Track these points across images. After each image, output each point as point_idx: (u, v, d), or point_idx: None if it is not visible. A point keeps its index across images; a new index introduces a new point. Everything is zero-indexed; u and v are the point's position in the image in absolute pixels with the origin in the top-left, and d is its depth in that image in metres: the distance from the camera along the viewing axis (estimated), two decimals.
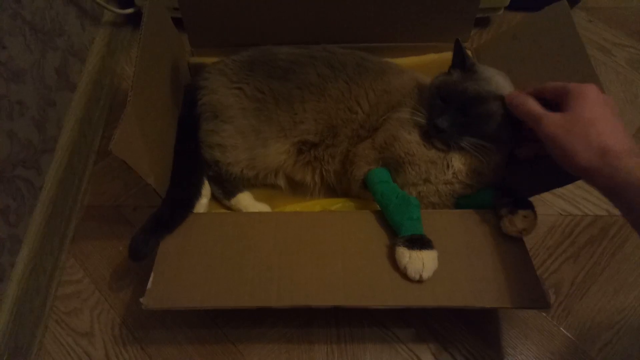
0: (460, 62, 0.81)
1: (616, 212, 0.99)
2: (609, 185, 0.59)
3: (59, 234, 0.94)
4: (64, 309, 0.89)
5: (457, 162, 0.79)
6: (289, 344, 0.84)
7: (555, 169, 0.79)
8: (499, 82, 0.79)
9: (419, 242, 0.72)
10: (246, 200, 0.90)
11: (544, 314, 0.88)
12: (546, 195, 1.02)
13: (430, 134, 0.79)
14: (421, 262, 0.70)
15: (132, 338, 0.85)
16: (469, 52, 1.03)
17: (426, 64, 1.02)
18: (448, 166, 0.80)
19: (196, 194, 0.84)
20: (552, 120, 0.65)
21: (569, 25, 0.85)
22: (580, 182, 1.01)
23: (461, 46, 0.81)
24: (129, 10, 1.23)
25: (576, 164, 0.62)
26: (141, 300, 0.70)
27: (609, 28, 1.34)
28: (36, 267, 0.86)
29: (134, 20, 1.29)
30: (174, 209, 0.79)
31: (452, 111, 0.77)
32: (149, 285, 0.71)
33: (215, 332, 0.86)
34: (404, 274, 0.72)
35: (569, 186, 1.03)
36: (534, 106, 0.69)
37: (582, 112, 0.63)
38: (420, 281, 0.71)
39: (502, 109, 0.76)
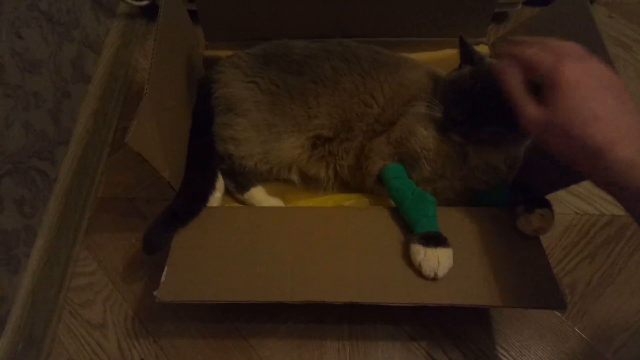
0: (468, 57, 0.81)
1: None
2: (608, 187, 0.51)
3: (73, 226, 0.94)
4: (77, 301, 0.89)
5: (474, 157, 0.78)
6: (301, 340, 0.84)
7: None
8: None
9: (435, 240, 0.71)
10: (259, 195, 0.90)
11: (559, 314, 0.87)
12: (562, 194, 1.00)
13: (447, 128, 0.78)
14: (436, 260, 0.69)
15: (145, 331, 0.86)
16: (486, 47, 1.02)
17: (443, 58, 1.00)
18: (464, 161, 0.79)
19: (210, 188, 0.84)
20: (531, 115, 0.56)
21: (586, 16, 0.83)
22: None
23: (465, 42, 0.81)
24: (144, 2, 1.23)
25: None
26: (155, 293, 0.70)
27: (629, 24, 1.31)
28: (50, 259, 0.87)
29: (149, 12, 1.29)
30: (189, 202, 0.79)
31: (468, 104, 0.76)
32: (163, 278, 0.71)
33: (227, 326, 0.86)
34: (418, 272, 0.71)
35: (585, 184, 1.01)
36: (516, 89, 0.59)
37: (559, 103, 0.53)
38: (435, 279, 0.70)
39: None
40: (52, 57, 0.92)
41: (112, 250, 0.95)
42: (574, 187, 1.01)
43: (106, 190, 1.03)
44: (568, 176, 0.78)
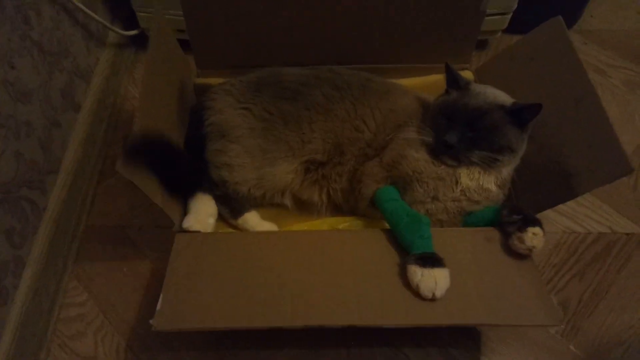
0: (454, 82, 0.85)
1: (619, 229, 1.01)
2: None
3: (63, 256, 0.93)
4: (67, 333, 0.87)
5: (465, 179, 0.80)
6: None
7: (557, 186, 0.80)
8: (495, 93, 0.83)
9: (431, 260, 0.72)
10: (253, 220, 0.90)
11: (553, 332, 0.88)
12: (550, 213, 1.03)
13: (439, 152, 0.80)
14: (434, 280, 0.70)
15: None
16: (471, 73, 1.06)
17: (430, 84, 1.03)
18: (456, 183, 0.81)
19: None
20: None
21: (564, 40, 0.88)
22: (582, 200, 1.04)
23: (451, 68, 0.86)
24: (133, 32, 1.25)
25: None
26: (151, 321, 0.68)
27: (603, 50, 1.37)
28: (39, 290, 0.85)
29: (138, 42, 1.31)
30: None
31: (459, 127, 0.78)
32: (159, 306, 0.70)
33: (223, 354, 0.84)
34: (416, 293, 0.71)
35: (572, 204, 1.04)
36: None
37: None
38: (433, 299, 0.70)
39: (506, 116, 0.78)
40: (42, 86, 0.92)
41: (103, 279, 0.93)
42: (561, 206, 1.02)
43: (96, 219, 1.02)
44: (555, 196, 0.81)
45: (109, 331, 0.87)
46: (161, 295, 0.71)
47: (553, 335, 0.87)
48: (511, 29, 1.26)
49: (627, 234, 1.01)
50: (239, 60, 1.03)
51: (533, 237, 0.74)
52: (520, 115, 0.79)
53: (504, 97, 0.83)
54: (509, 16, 1.23)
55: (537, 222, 0.75)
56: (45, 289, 0.87)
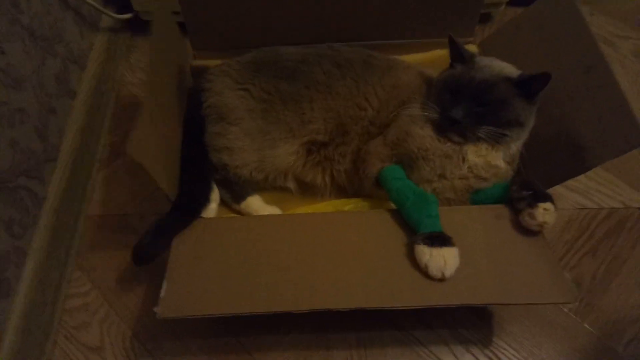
0: (459, 55, 0.82)
1: (632, 203, 0.98)
2: None
3: (65, 246, 0.91)
4: (72, 323, 0.86)
5: (472, 156, 0.78)
6: (307, 351, 0.82)
7: (567, 160, 0.78)
8: (501, 65, 0.80)
9: (439, 240, 0.70)
10: (256, 204, 0.88)
11: (567, 311, 0.86)
12: (560, 189, 1.00)
13: (445, 128, 0.78)
14: (443, 260, 0.68)
15: (144, 350, 0.82)
16: (474, 47, 1.02)
17: (433, 60, 1.00)
18: (463, 160, 0.78)
19: (204, 201, 0.82)
20: None
21: (574, 13, 0.84)
22: (593, 175, 1.01)
23: (455, 41, 0.82)
24: (127, 16, 1.21)
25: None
26: (155, 309, 0.67)
27: (611, 20, 1.33)
28: (42, 281, 0.83)
29: (133, 26, 1.27)
30: (180, 216, 0.77)
31: (465, 102, 0.76)
32: (162, 293, 0.69)
33: (228, 340, 0.83)
34: (425, 273, 0.69)
35: (583, 179, 1.02)
36: None
37: None
38: (442, 279, 0.69)
39: (513, 89, 0.75)
40: (35, 72, 0.90)
41: (106, 269, 0.91)
42: (571, 182, 1.00)
43: (97, 208, 1.00)
44: (566, 170, 0.78)
45: (114, 321, 0.86)
46: (164, 283, 0.70)
47: (567, 313, 0.85)
48: (515, 1, 1.23)
49: None
50: (235, 41, 1.00)
51: (544, 212, 0.71)
52: (529, 86, 0.76)
53: (510, 69, 0.80)
54: None
55: (548, 198, 0.73)
56: (48, 279, 0.85)
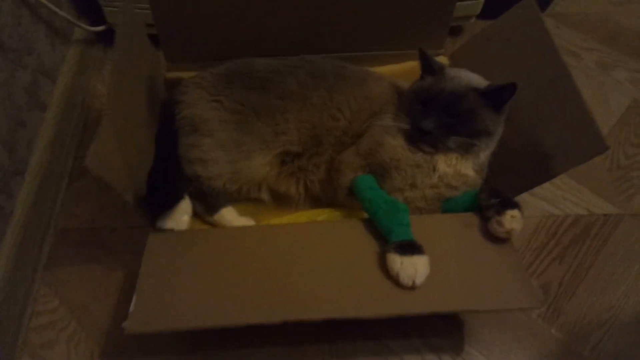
0: (429, 67, 0.84)
1: (597, 210, 1.01)
2: None
3: (32, 261, 0.89)
4: (38, 341, 0.84)
5: (443, 165, 0.80)
6: None
7: (533, 168, 0.80)
8: (470, 76, 0.83)
9: (410, 248, 0.71)
10: (230, 215, 0.88)
11: (535, 317, 0.88)
12: (528, 197, 1.03)
13: (416, 138, 0.79)
14: (413, 268, 0.69)
15: None
16: (445, 58, 1.05)
17: (405, 71, 1.02)
18: (434, 169, 0.80)
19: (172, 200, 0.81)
20: None
21: (537, 22, 0.88)
22: (559, 183, 1.05)
23: (425, 53, 0.85)
24: (100, 28, 1.21)
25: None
26: (123, 325, 0.66)
27: (576, 33, 1.38)
28: (7, 298, 0.81)
29: (105, 38, 1.26)
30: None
31: (435, 113, 0.77)
32: (132, 308, 0.68)
33: (200, 355, 0.82)
34: (396, 281, 0.70)
35: (549, 187, 1.05)
36: None
37: None
38: (413, 288, 0.69)
39: (481, 99, 0.77)
40: (4, 85, 0.88)
41: (75, 284, 0.89)
42: (538, 190, 1.03)
43: (66, 222, 0.98)
44: (532, 178, 0.81)
45: (82, 337, 0.84)
46: (134, 297, 0.69)
47: (535, 319, 0.87)
48: (485, 14, 1.26)
49: (605, 215, 1.02)
50: (209, 53, 1.00)
51: (511, 219, 0.73)
52: (496, 97, 0.78)
53: (478, 80, 0.82)
54: (482, 2, 1.23)
55: (515, 205, 0.75)
56: (14, 297, 0.83)
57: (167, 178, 0.84)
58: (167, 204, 0.79)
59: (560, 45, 1.33)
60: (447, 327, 0.86)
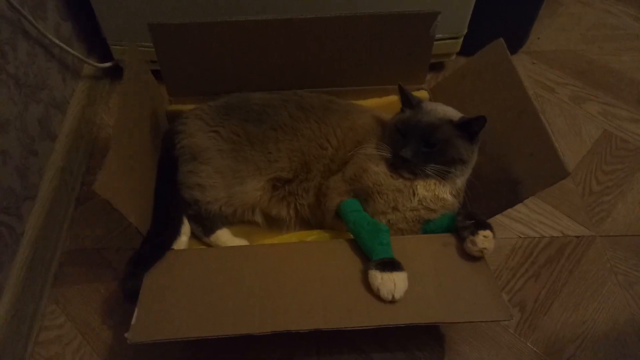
0: (407, 101, 0.92)
1: (570, 232, 1.08)
2: None
3: (41, 280, 0.95)
4: (45, 355, 0.89)
5: (422, 190, 0.87)
6: None
7: (505, 193, 0.87)
8: (445, 109, 0.91)
9: (390, 265, 0.77)
10: (225, 236, 0.94)
11: (512, 331, 0.93)
12: (505, 220, 1.10)
13: (396, 165, 0.87)
14: (392, 283, 0.75)
15: None
16: (426, 92, 1.14)
17: (387, 104, 1.11)
18: (414, 194, 0.87)
19: (174, 234, 0.88)
20: None
21: (506, 60, 0.96)
22: (535, 207, 1.12)
23: (404, 89, 0.93)
24: (108, 64, 1.30)
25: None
26: (126, 335, 0.71)
27: (550, 69, 1.48)
28: (17, 314, 0.87)
29: (112, 73, 1.36)
30: (151, 249, 0.82)
31: (413, 142, 0.85)
32: (134, 320, 0.73)
33: None
34: (377, 296, 0.76)
35: (525, 210, 1.12)
36: None
37: None
38: (393, 301, 0.75)
39: (455, 130, 0.85)
40: (19, 117, 0.96)
41: (81, 301, 0.95)
42: (515, 213, 1.11)
43: (73, 243, 1.04)
44: (504, 202, 0.88)
45: (87, 351, 0.89)
46: (136, 310, 0.75)
47: (512, 333, 0.93)
48: (465, 51, 1.36)
49: (577, 237, 1.08)
50: (208, 88, 1.09)
51: (484, 239, 0.80)
52: (468, 128, 0.86)
53: (453, 113, 0.90)
54: (461, 40, 1.33)
55: (487, 226, 0.81)
56: (23, 313, 0.89)
57: (168, 202, 0.91)
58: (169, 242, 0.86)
59: (536, 80, 1.44)
60: (429, 341, 0.91)
